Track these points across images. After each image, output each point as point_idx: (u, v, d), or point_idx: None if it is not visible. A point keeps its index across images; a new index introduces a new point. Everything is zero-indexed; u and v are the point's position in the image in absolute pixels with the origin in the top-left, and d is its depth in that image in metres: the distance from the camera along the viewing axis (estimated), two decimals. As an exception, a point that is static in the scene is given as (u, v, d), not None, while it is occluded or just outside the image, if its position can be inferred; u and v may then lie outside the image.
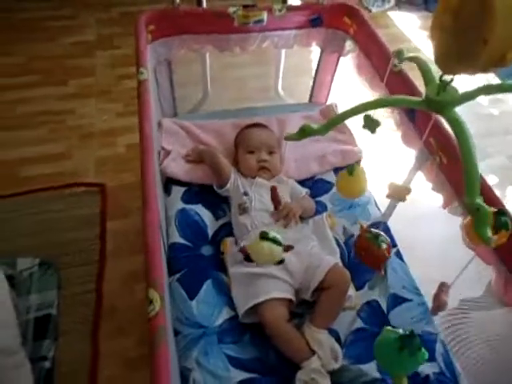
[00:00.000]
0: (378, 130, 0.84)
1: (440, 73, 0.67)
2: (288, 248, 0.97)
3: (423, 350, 0.61)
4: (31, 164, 1.79)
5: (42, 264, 1.44)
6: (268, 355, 0.95)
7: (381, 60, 1.23)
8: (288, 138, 0.79)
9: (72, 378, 1.23)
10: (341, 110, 1.54)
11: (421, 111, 1.02)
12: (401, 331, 0.62)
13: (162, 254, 0.73)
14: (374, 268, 0.80)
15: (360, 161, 1.39)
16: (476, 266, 0.76)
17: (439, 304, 0.80)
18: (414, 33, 2.77)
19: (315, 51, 1.63)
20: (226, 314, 1.00)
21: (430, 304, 1.04)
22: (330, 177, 1.36)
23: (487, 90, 0.67)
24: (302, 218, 1.21)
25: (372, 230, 0.79)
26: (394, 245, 1.17)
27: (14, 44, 2.36)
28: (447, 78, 0.66)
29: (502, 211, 0.65)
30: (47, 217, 1.61)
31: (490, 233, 0.61)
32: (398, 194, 0.81)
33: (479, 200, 0.61)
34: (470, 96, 0.67)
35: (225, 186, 1.23)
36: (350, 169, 0.86)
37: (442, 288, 0.79)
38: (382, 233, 0.78)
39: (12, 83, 2.14)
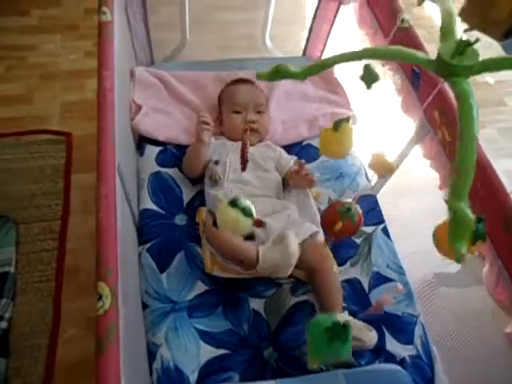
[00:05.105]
0: (375, 87, 0.66)
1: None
2: (259, 223, 0.90)
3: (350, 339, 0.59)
4: (-12, 105, 1.64)
5: (-1, 218, 1.33)
6: (240, 327, 0.92)
7: (387, 13, 1.09)
8: (259, 76, 0.68)
9: (30, 339, 1.17)
10: (340, 71, 1.40)
11: (427, 78, 0.91)
12: (335, 319, 0.59)
13: (118, 238, 0.63)
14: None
15: (350, 118, 1.27)
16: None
17: None
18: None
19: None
20: (197, 289, 0.95)
21: (412, 285, 1.03)
22: (320, 143, 1.26)
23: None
24: (286, 187, 1.13)
25: (346, 202, 0.74)
26: (381, 221, 1.12)
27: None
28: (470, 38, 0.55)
29: (479, 218, 0.50)
30: (6, 166, 1.50)
31: (465, 248, 0.48)
32: (380, 169, 0.75)
33: (463, 203, 0.50)
34: (495, 65, 0.56)
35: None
36: (336, 124, 0.73)
37: None
38: (353, 206, 0.73)
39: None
